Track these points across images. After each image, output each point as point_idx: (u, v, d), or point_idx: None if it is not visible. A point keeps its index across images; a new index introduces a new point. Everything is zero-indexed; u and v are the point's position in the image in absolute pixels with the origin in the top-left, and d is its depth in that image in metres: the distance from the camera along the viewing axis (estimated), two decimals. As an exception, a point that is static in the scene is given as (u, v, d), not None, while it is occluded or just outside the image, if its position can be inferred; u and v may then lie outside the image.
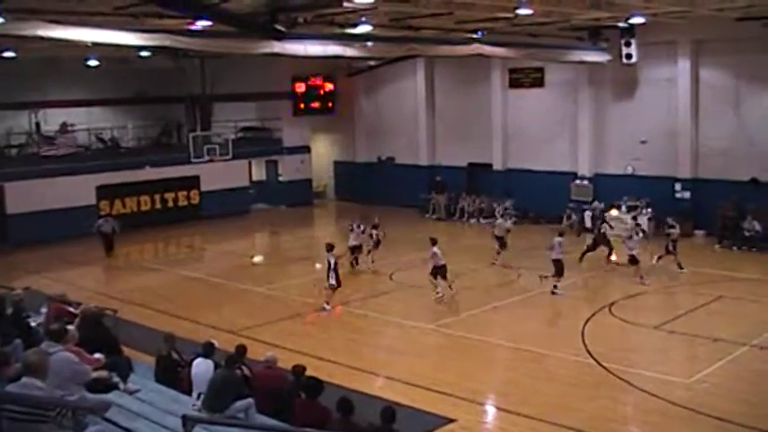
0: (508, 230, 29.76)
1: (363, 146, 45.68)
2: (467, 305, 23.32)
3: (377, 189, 43.38)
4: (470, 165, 40.82)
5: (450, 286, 23.96)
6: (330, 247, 23.60)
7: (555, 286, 24.66)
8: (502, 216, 32.00)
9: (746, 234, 30.28)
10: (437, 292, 23.78)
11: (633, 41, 30.76)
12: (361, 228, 28.53)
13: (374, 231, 28.72)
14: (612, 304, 23.38)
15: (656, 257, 27.07)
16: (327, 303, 23.36)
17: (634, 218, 31.33)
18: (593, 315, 22.37)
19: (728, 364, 18.25)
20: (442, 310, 23.03)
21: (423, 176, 41.89)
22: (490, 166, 40.04)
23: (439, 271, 23.73)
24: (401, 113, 43.37)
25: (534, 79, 38.36)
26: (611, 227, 29.41)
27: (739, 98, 32.27)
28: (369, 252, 28.54)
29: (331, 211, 45.61)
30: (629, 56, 31.03)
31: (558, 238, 25.31)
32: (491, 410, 16.49)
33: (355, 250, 28.09)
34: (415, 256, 27.97)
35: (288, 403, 12.16)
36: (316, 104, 44.43)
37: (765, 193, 31.03)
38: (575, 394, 16.82)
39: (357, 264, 28.17)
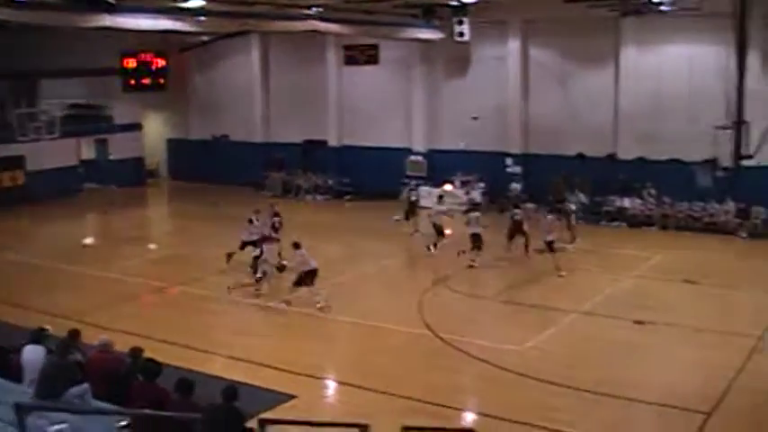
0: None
1: (197, 123, 44.88)
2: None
3: (211, 167, 42.67)
4: (306, 141, 40.73)
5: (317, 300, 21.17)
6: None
7: (472, 260, 25.07)
8: (438, 200, 29.47)
9: (574, 207, 31.42)
10: (316, 301, 21.06)
11: (465, 20, 31.27)
12: (260, 220, 25.17)
13: (276, 219, 25.66)
14: (448, 277, 23.96)
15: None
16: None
17: (467, 192, 32.10)
18: (430, 289, 22.88)
19: (558, 331, 19.25)
20: (281, 288, 22.94)
21: (258, 154, 41.58)
22: (325, 142, 40.14)
23: (307, 277, 21.00)
24: (235, 90, 42.83)
25: (369, 56, 38.66)
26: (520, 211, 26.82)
27: (566, 77, 33.64)
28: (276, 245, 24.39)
29: (164, 190, 44.74)
30: (461, 34, 31.53)
31: (473, 213, 25.96)
32: (331, 385, 16.71)
33: (246, 246, 24.42)
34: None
35: (125, 386, 11.89)
36: (147, 81, 43.09)
37: (591, 168, 32.45)
38: (412, 366, 17.24)
39: (230, 259, 24.91)
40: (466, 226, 25.87)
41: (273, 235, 24.83)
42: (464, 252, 25.47)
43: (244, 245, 24.56)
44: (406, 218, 29.24)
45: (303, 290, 21.03)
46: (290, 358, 17.40)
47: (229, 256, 24.92)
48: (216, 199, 38.00)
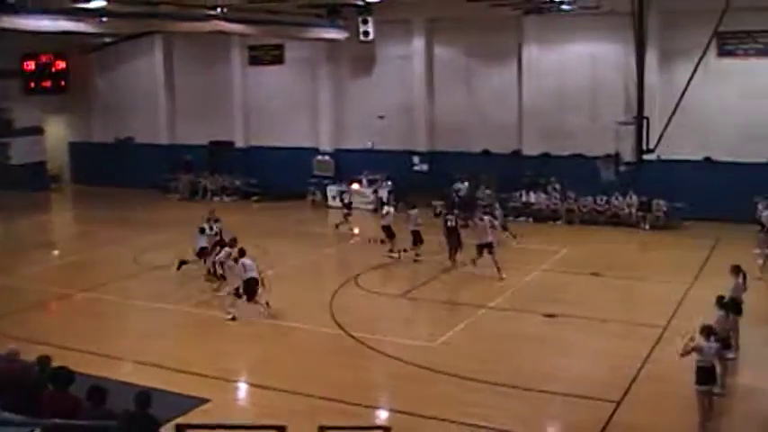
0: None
1: (100, 126, 43.89)
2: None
3: (116, 170, 41.77)
4: (212, 143, 40.29)
5: (267, 303, 20.49)
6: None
7: (417, 254, 25.72)
8: (387, 203, 29.30)
9: (481, 203, 31.79)
10: (229, 312, 20.28)
11: (370, 19, 31.36)
12: (213, 229, 24.35)
13: (216, 225, 24.63)
14: (357, 276, 24.04)
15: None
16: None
17: (375, 191, 32.21)
18: (340, 287, 22.94)
19: (468, 327, 19.50)
20: (189, 291, 22.74)
21: (164, 156, 40.96)
22: (232, 143, 39.81)
23: (248, 285, 20.16)
24: (139, 92, 42.05)
25: (274, 56, 38.54)
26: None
27: (470, 75, 34.09)
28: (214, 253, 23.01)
29: (67, 195, 43.70)
30: (366, 33, 31.58)
31: (412, 211, 26.07)
32: (244, 387, 16.63)
33: (204, 253, 23.77)
34: (158, 238, 27.45)
35: (35, 396, 11.61)
36: (47, 83, 42.21)
37: (496, 164, 32.91)
38: (326, 365, 17.26)
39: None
40: (406, 224, 26.09)
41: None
42: (405, 251, 25.95)
43: (201, 252, 23.82)
44: (346, 218, 29.95)
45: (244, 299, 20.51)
46: (202, 361, 17.22)
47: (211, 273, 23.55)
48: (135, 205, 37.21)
